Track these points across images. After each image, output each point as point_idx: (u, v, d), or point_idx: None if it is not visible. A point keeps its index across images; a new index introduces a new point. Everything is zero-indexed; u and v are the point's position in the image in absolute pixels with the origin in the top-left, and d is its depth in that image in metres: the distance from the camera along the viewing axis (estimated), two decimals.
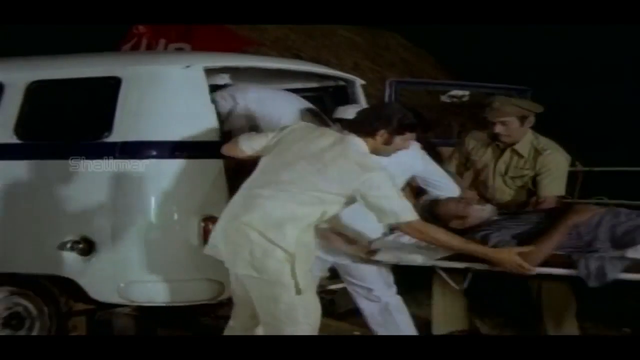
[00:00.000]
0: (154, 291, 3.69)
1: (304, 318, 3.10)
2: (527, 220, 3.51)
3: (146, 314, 4.01)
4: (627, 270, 3.15)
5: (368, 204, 3.12)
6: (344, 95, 4.54)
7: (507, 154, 4.12)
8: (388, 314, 3.65)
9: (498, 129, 4.04)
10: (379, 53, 9.29)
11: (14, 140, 3.87)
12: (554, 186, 4.04)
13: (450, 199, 3.71)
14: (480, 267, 3.30)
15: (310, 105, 4.29)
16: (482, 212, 3.60)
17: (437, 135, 7.51)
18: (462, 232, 3.47)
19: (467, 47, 9.04)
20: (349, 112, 3.79)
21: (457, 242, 3.24)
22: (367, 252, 3.54)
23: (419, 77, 8.62)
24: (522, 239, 3.32)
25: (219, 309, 4.50)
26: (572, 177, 6.39)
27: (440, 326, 4.09)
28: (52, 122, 3.96)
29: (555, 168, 4.04)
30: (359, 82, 4.61)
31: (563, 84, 8.72)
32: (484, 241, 3.33)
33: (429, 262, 3.43)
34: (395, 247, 3.49)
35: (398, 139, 3.23)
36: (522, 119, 4.03)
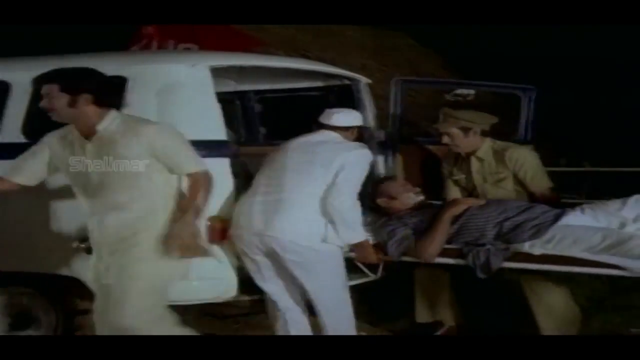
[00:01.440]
0: None
1: None
2: (425, 215, 3.68)
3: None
4: (508, 259, 3.46)
5: (163, 163, 3.17)
6: (349, 94, 4.54)
7: (474, 162, 4.10)
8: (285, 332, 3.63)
9: (445, 139, 4.08)
10: (386, 53, 9.28)
11: (22, 139, 3.88)
12: (536, 181, 4.00)
13: (397, 180, 3.97)
14: (387, 258, 3.65)
15: None
16: (409, 199, 3.82)
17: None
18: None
19: (474, 47, 9.02)
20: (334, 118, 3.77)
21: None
22: None
23: (426, 77, 8.59)
24: (421, 233, 3.60)
25: (224, 308, 4.52)
26: (581, 177, 6.39)
27: (424, 315, 4.10)
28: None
29: (525, 163, 3.99)
30: (364, 81, 4.60)
31: (572, 84, 8.69)
32: (390, 236, 3.61)
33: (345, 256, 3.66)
34: None
35: None
36: (465, 130, 4.02)
